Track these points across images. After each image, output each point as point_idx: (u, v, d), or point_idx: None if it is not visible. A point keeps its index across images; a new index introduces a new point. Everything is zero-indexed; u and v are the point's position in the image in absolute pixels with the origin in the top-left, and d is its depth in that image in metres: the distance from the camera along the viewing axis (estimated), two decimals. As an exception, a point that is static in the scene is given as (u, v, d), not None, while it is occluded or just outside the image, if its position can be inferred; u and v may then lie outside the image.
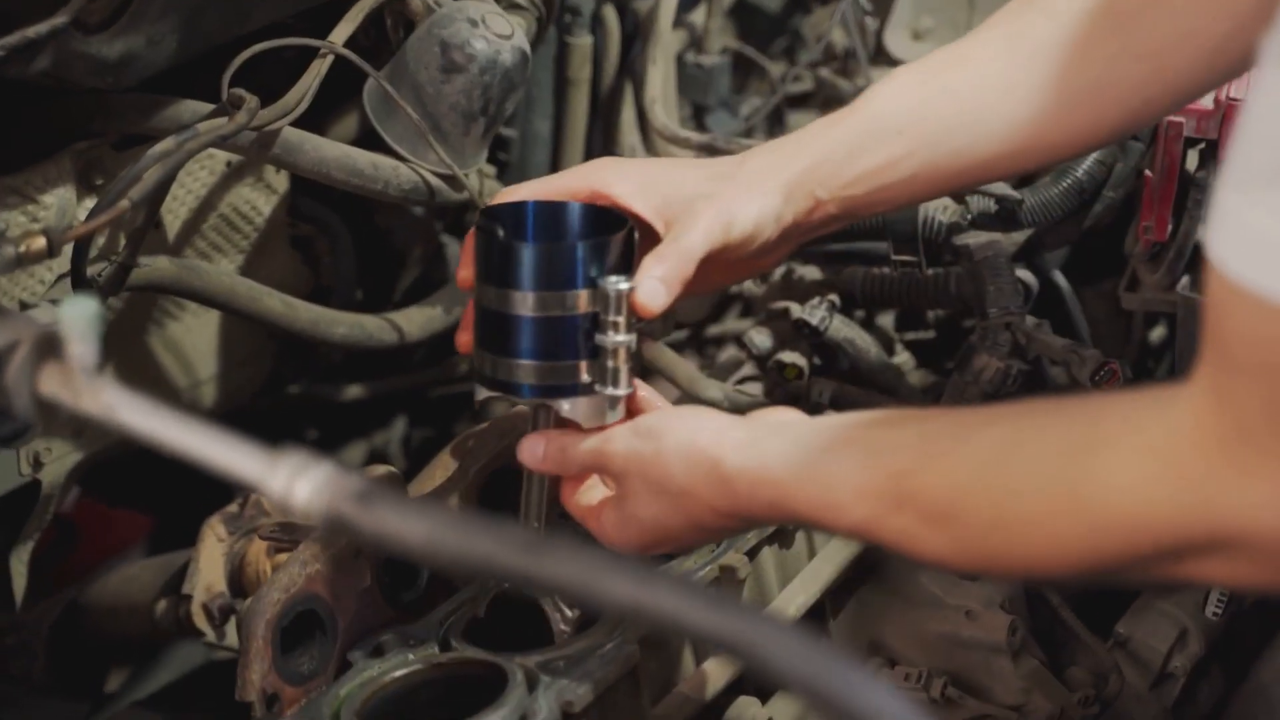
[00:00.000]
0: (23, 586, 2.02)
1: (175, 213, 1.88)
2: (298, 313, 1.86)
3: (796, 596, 1.60)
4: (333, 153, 1.74)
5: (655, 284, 1.41)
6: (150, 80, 1.66)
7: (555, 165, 2.21)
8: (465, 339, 1.46)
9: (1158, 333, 2.14)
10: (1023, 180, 1.93)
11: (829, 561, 1.64)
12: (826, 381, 1.83)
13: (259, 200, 1.98)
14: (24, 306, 1.68)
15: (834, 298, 1.95)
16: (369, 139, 1.86)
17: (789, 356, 1.86)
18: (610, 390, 1.41)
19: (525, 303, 1.39)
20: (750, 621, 0.89)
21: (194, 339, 2.02)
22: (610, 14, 2.20)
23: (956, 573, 1.47)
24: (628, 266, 1.42)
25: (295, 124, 1.78)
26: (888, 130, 1.50)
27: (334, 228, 2.09)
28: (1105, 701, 1.70)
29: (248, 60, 1.65)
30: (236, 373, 2.09)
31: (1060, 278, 1.93)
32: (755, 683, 1.58)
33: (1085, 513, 1.13)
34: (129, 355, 1.95)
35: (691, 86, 2.27)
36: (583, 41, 2.15)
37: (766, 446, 1.32)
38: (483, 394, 1.45)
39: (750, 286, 2.09)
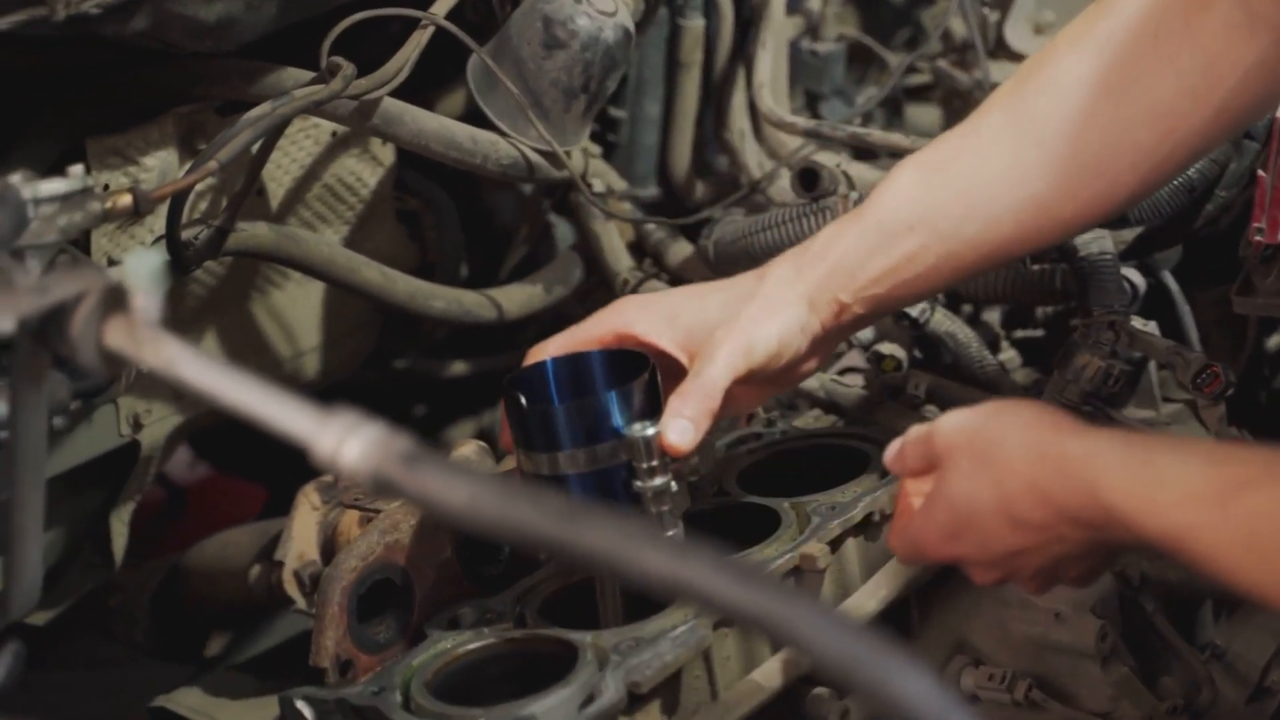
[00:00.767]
0: (122, 547, 2.04)
1: (279, 181, 1.89)
2: (395, 285, 1.86)
3: (879, 590, 1.57)
4: (431, 125, 1.74)
5: (683, 424, 1.44)
6: (254, 46, 1.68)
7: (664, 148, 2.20)
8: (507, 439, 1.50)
9: (1276, 340, 2.09)
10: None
11: (915, 555, 1.61)
12: (923, 374, 1.80)
13: (364, 172, 1.98)
14: (124, 268, 1.69)
15: (938, 291, 1.92)
16: (476, 115, 1.86)
17: (887, 348, 1.83)
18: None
19: (555, 463, 1.45)
20: (784, 600, 0.87)
21: (297, 309, 2.02)
22: (725, -3, 2.18)
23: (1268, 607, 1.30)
24: (655, 407, 1.46)
25: (402, 98, 1.79)
26: (899, 229, 1.51)
27: (440, 202, 2.09)
28: (1196, 713, 1.66)
29: (353, 32, 1.66)
30: (340, 344, 2.09)
31: (1170, 278, 1.89)
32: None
33: None
34: (231, 322, 1.96)
35: (806, 74, 2.25)
36: (695, 24, 2.13)
37: (1101, 435, 1.27)
38: None
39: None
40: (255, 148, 1.68)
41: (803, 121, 2.01)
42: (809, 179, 1.88)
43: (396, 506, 1.57)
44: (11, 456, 1.22)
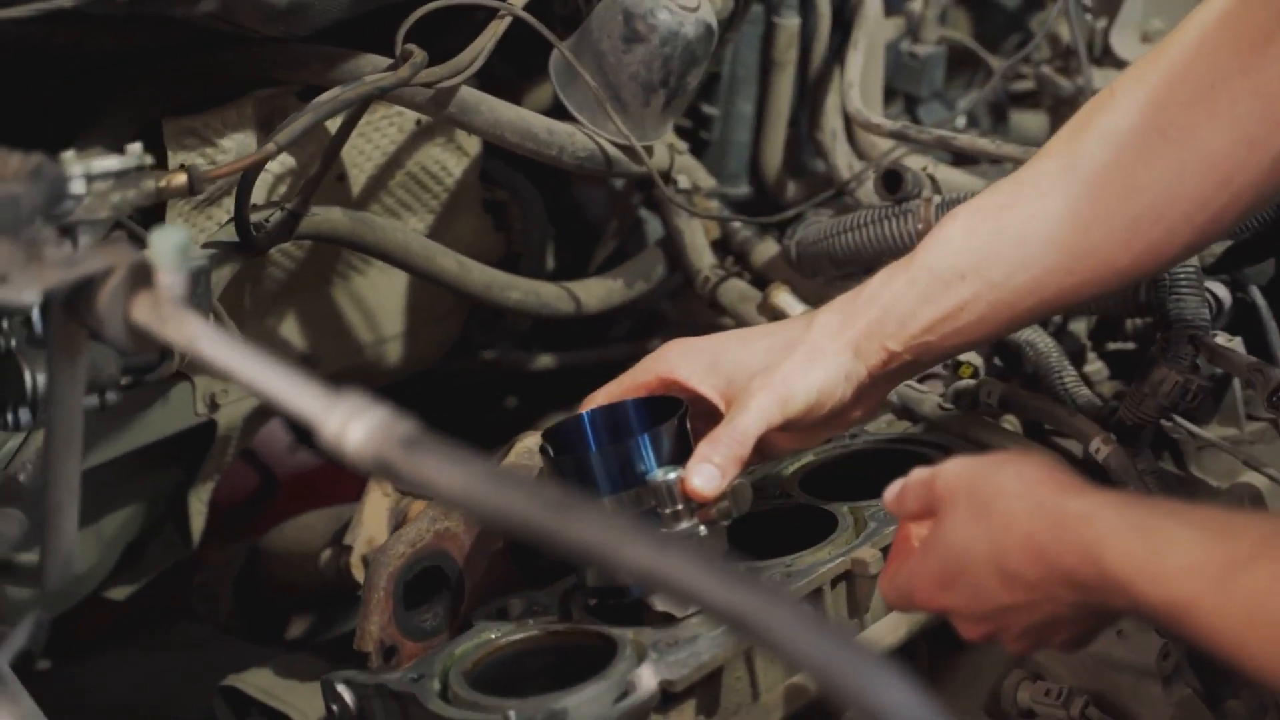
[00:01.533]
0: (200, 526, 2.06)
1: (361, 167, 1.90)
2: (471, 274, 1.86)
3: (932, 598, 1.54)
4: (508, 115, 1.74)
5: (709, 469, 1.44)
6: (342, 35, 1.69)
7: (757, 147, 2.18)
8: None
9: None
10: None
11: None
12: (995, 382, 1.77)
13: (449, 161, 1.98)
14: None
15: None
16: (563, 109, 1.86)
17: (964, 355, 1.81)
18: None
19: None
20: (765, 602, 0.86)
21: (379, 295, 2.03)
22: (822, -4, 2.17)
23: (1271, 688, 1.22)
24: (686, 451, 1.46)
25: (491, 90, 1.79)
26: (950, 276, 1.49)
27: (525, 194, 2.09)
28: (1262, 739, 1.62)
29: (441, 23, 1.66)
30: (423, 333, 2.10)
31: (1257, 294, 1.84)
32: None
33: None
34: (311, 306, 1.97)
35: (904, 76, 2.22)
36: (790, 23, 2.12)
37: (1103, 496, 1.22)
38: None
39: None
40: (333, 132, 1.70)
41: (888, 123, 1.99)
42: (892, 181, 1.85)
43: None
44: (48, 429, 1.24)
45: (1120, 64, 2.21)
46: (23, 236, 1.10)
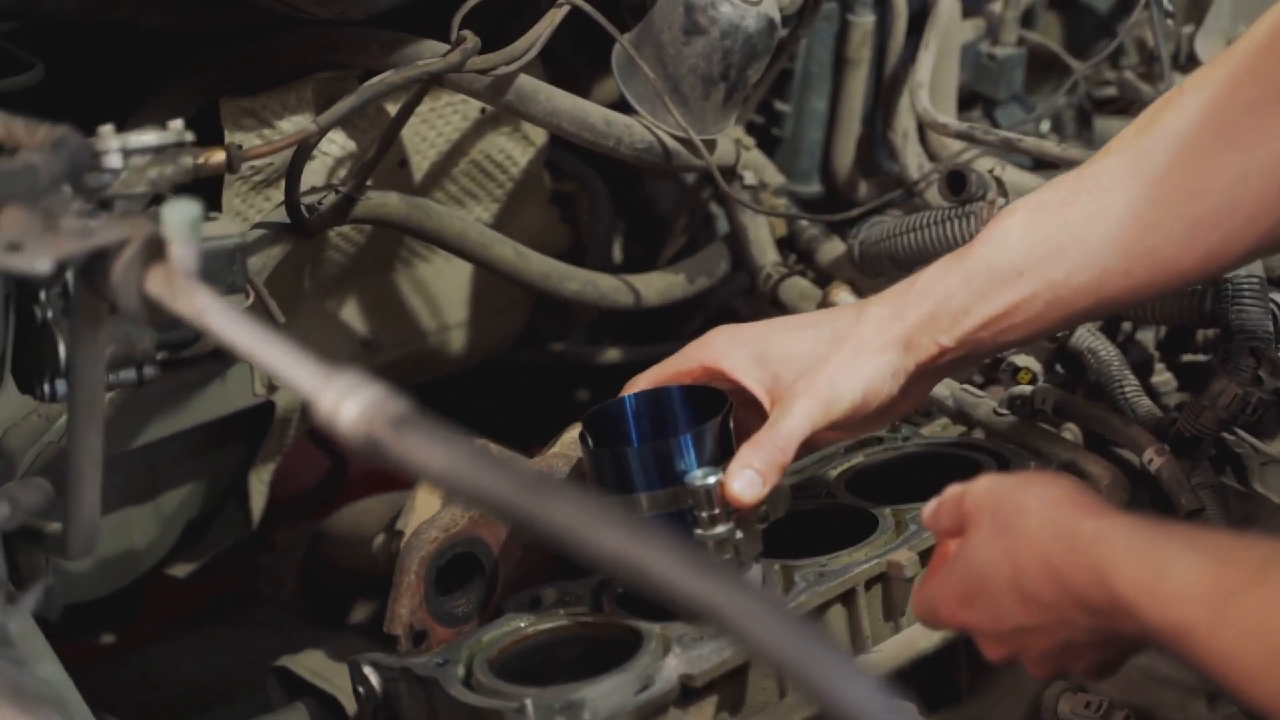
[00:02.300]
0: (261, 506, 2.07)
1: (423, 154, 1.90)
2: (529, 263, 1.86)
3: (969, 604, 1.52)
4: (565, 104, 1.74)
5: (751, 475, 1.42)
6: (400, 19, 1.69)
7: (829, 145, 2.16)
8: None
9: None
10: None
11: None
12: (1051, 389, 1.74)
13: (514, 150, 1.98)
14: (256, 229, 1.72)
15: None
16: (627, 104, 1.85)
17: (1023, 360, 1.78)
18: None
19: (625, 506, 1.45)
20: (732, 592, 0.85)
21: (444, 283, 2.04)
22: (899, -5, 2.14)
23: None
24: (727, 450, 1.45)
25: (559, 81, 1.79)
26: (1008, 273, 1.46)
27: (593, 186, 2.09)
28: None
29: (506, 13, 1.65)
30: (488, 322, 2.10)
31: (1326, 307, 1.79)
32: (915, 689, 1.52)
33: None
34: (374, 291, 1.98)
35: (982, 78, 2.19)
36: (864, 21, 2.09)
37: (1117, 517, 1.20)
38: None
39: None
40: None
41: (955, 123, 1.96)
42: (956, 182, 1.83)
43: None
44: (70, 398, 1.25)
45: (1205, 71, 2.17)
46: (40, 206, 1.11)
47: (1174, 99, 1.47)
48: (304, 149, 1.58)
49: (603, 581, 1.53)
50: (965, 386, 1.79)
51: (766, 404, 1.49)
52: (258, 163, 1.71)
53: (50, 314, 1.37)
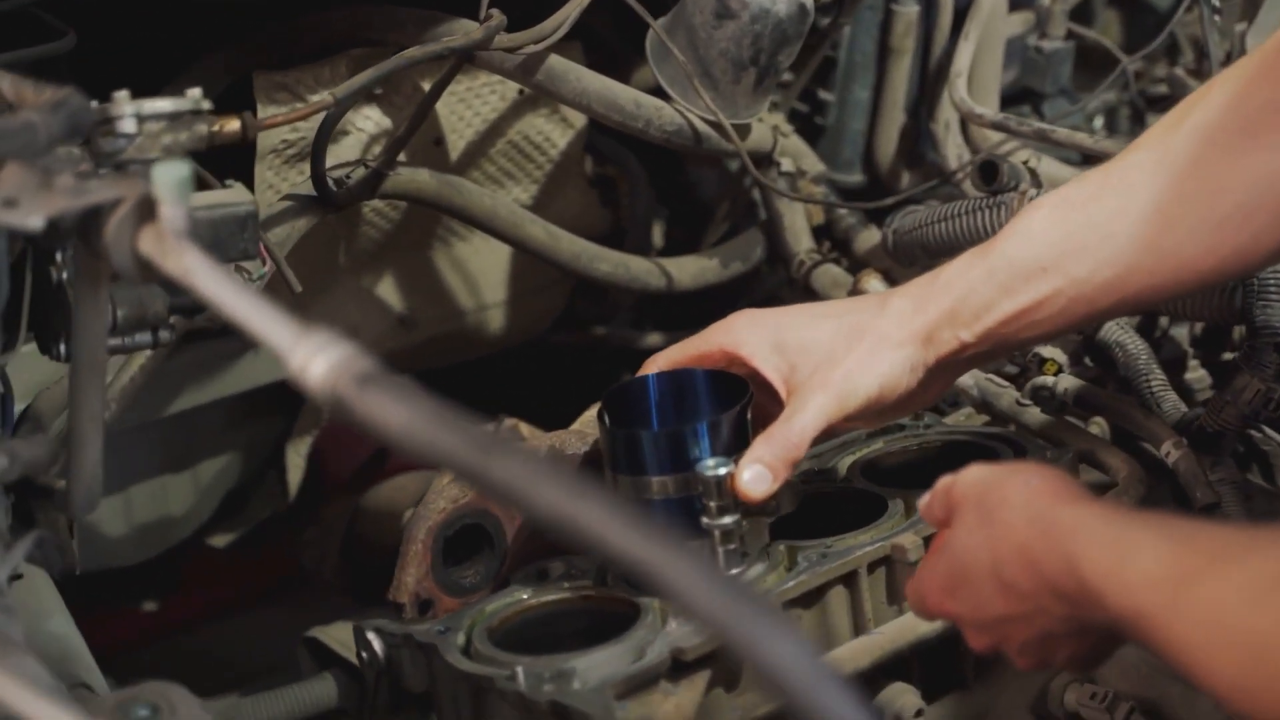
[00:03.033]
0: (298, 479, 2.10)
1: (460, 133, 1.92)
2: (560, 244, 1.87)
3: (974, 591, 1.52)
4: (594, 85, 1.75)
5: (761, 470, 1.42)
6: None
7: (872, 135, 2.16)
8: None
9: None
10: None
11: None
12: (1074, 381, 1.74)
13: (553, 132, 2.00)
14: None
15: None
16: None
17: (1049, 351, 1.77)
18: None
19: (639, 487, 1.47)
20: (667, 552, 0.86)
21: (481, 262, 2.05)
22: (944, -15, 2.13)
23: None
24: (744, 441, 1.45)
25: (598, 65, 1.80)
26: (1031, 269, 1.45)
27: (633, 170, 2.09)
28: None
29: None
30: (526, 302, 2.11)
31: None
32: (920, 675, 1.53)
33: None
34: (411, 268, 2.00)
35: (1029, 71, 2.19)
36: (908, 10, 2.09)
37: (1092, 505, 1.20)
38: None
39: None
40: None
41: (990, 113, 1.96)
42: (989, 172, 1.83)
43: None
44: (72, 357, 1.28)
45: (1256, 69, 2.15)
46: (38, 164, 1.14)
47: (1204, 94, 1.45)
48: (329, 123, 1.60)
49: (610, 556, 1.54)
50: (990, 376, 1.79)
51: (783, 393, 1.49)
52: (290, 136, 1.74)
53: (65, 275, 1.39)
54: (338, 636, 1.87)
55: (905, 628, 1.48)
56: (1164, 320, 1.95)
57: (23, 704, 0.97)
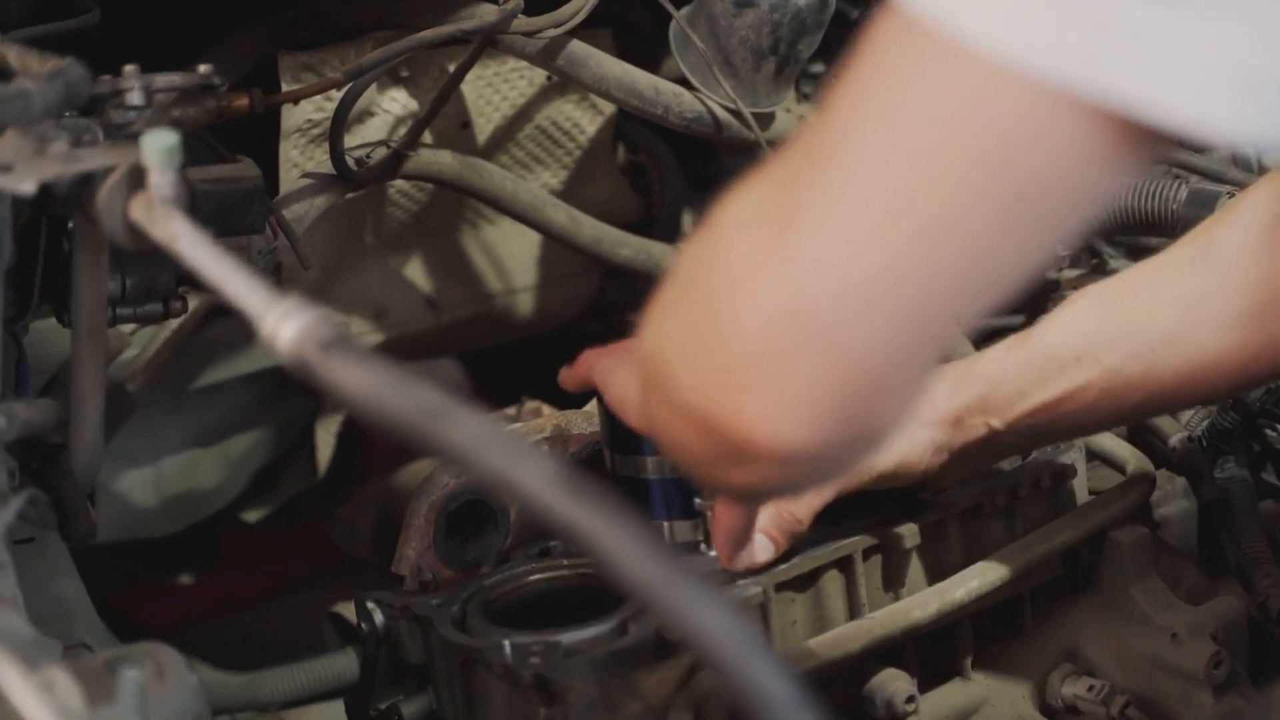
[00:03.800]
0: (327, 456, 2.13)
1: (488, 117, 1.94)
2: (581, 228, 1.89)
3: (970, 580, 1.52)
4: (614, 70, 1.77)
5: (763, 541, 1.43)
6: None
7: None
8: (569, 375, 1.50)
9: None
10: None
11: (1023, 553, 1.56)
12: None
13: (582, 119, 2.02)
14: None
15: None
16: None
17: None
18: (710, 552, 1.44)
19: (636, 466, 1.48)
20: (602, 516, 0.87)
21: (510, 246, 2.07)
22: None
23: None
24: None
25: (629, 55, 1.82)
26: (1066, 359, 1.43)
27: (663, 158, 2.11)
28: (1322, 761, 1.56)
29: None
30: (556, 288, 2.13)
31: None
32: (915, 663, 1.53)
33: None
34: (439, 249, 2.02)
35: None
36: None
37: None
38: None
39: (1063, 274, 1.99)
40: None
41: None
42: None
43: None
44: (73, 323, 1.31)
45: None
46: (34, 132, 1.17)
47: (1252, 191, 1.44)
48: (346, 102, 1.62)
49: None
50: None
51: None
52: (315, 115, 1.76)
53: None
54: (361, 612, 1.90)
55: (898, 614, 1.49)
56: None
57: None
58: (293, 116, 1.75)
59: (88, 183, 1.15)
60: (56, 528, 1.41)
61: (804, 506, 1.45)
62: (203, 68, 1.38)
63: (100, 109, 1.37)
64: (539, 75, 1.94)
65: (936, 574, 1.55)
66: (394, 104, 1.83)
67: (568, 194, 2.02)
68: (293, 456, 2.17)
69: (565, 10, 1.69)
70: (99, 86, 1.35)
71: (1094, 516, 1.59)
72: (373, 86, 1.78)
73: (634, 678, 1.37)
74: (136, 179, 1.14)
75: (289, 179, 1.75)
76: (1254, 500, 1.67)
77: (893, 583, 1.53)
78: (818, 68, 2.05)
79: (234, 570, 2.43)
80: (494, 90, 1.92)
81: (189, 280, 1.60)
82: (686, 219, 2.20)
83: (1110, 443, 1.66)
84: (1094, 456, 1.67)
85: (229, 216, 1.40)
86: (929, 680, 1.56)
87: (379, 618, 1.52)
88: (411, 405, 0.95)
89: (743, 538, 1.42)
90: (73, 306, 1.29)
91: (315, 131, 1.76)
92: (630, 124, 2.07)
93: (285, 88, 1.72)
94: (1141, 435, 1.72)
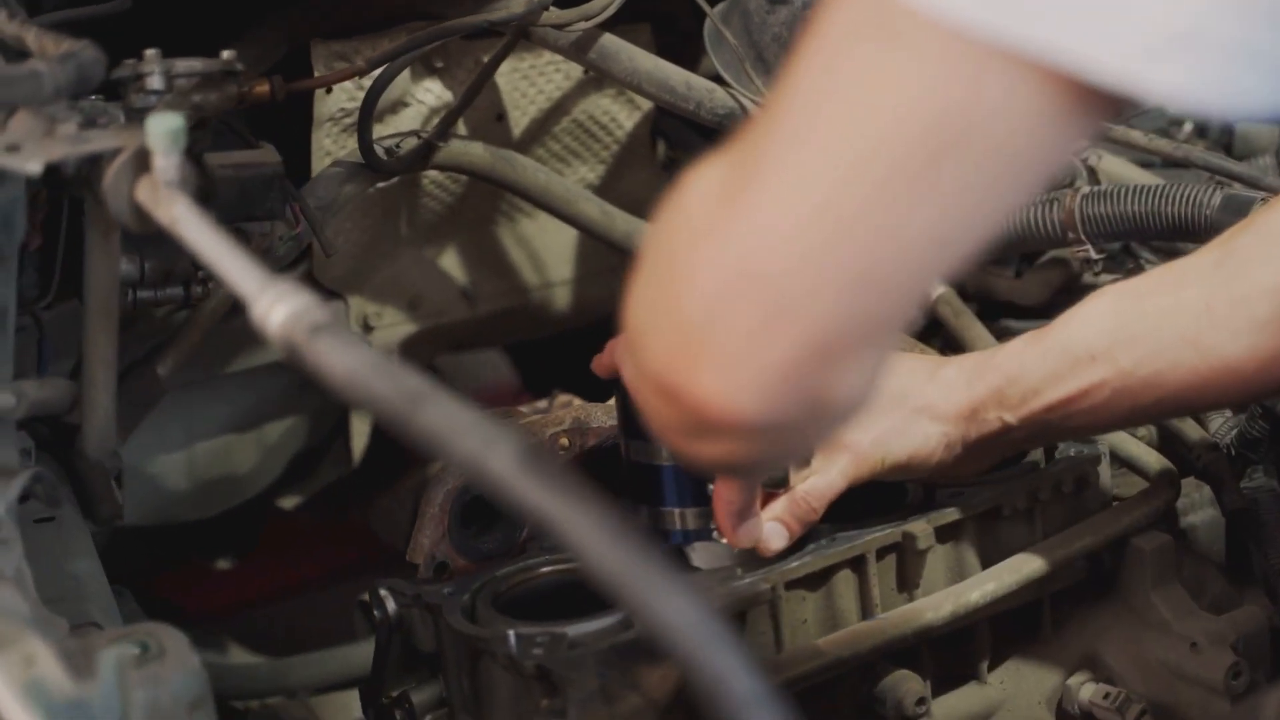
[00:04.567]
0: (361, 445, 2.13)
1: (523, 110, 1.94)
2: (614, 222, 1.88)
3: (986, 583, 1.51)
4: (646, 65, 1.76)
5: (777, 527, 1.44)
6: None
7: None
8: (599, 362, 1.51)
9: None
10: None
11: (1041, 556, 1.54)
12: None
13: (619, 113, 2.01)
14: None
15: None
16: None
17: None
18: (723, 539, 1.45)
19: (649, 452, 1.48)
20: (571, 504, 0.87)
21: (547, 239, 2.07)
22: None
23: None
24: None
25: (663, 50, 1.82)
26: (1081, 356, 1.43)
27: (700, 153, 2.10)
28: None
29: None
30: (592, 283, 2.13)
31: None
32: (930, 665, 1.52)
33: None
34: (474, 241, 2.02)
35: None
36: None
37: None
38: None
39: (1100, 278, 1.97)
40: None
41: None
42: (1045, 168, 1.81)
43: (525, 422, 1.61)
44: (85, 303, 1.32)
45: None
46: (44, 112, 1.18)
47: (1277, 200, 1.44)
48: (375, 91, 1.63)
49: (629, 526, 1.55)
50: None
51: None
52: (348, 105, 1.77)
53: (95, 227, 1.44)
54: (392, 600, 1.90)
55: (910, 615, 1.48)
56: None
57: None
58: (325, 105, 1.76)
59: (96, 164, 1.16)
60: (68, 506, 1.42)
61: (818, 494, 1.45)
62: (225, 53, 1.39)
63: (122, 93, 1.38)
64: (575, 69, 1.94)
65: (954, 576, 1.54)
66: (429, 95, 1.83)
67: (605, 189, 2.02)
68: (329, 444, 2.18)
69: (596, 3, 1.69)
70: (120, 70, 1.36)
71: (1116, 522, 1.58)
72: (408, 77, 1.79)
73: (637, 672, 1.37)
74: (143, 161, 1.15)
75: (321, 167, 1.76)
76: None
77: (907, 584, 1.52)
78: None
79: (279, 559, 2.45)
80: (529, 83, 1.92)
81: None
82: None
83: (1136, 449, 1.65)
84: (1119, 462, 1.65)
85: (249, 201, 1.41)
86: (945, 683, 1.55)
87: (391, 606, 1.52)
88: (391, 389, 0.95)
89: (744, 513, 1.41)
90: (84, 287, 1.30)
91: (348, 120, 1.77)
92: (668, 120, 2.07)
93: (318, 76, 1.73)
94: (1169, 443, 1.71)
